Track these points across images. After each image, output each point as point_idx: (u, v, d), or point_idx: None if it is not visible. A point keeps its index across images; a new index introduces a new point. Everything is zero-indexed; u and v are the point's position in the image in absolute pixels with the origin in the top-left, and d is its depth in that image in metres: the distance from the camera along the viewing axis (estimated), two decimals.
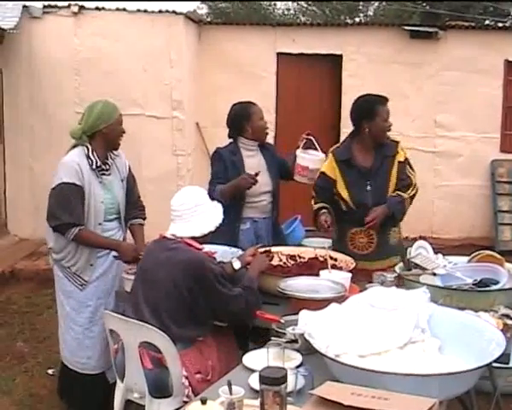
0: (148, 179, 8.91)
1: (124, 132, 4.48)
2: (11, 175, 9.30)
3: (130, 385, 3.61)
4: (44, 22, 9.10)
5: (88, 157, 4.30)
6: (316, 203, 4.72)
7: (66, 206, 4.21)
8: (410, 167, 4.74)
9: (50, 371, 5.33)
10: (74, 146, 4.37)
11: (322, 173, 4.73)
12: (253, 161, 4.98)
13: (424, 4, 19.31)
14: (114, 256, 4.36)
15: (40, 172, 8.87)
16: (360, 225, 4.59)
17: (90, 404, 4.43)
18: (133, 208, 4.64)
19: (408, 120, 10.04)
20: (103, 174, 4.40)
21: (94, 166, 4.31)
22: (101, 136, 4.35)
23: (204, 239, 3.76)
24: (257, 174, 4.71)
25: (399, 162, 4.68)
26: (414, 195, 4.69)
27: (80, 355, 4.42)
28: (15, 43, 8.95)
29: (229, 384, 2.46)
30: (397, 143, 4.75)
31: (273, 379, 2.36)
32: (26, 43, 9.08)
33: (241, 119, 5.00)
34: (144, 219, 4.70)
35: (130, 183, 4.64)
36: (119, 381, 3.70)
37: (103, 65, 9.09)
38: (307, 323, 2.90)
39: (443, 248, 8.94)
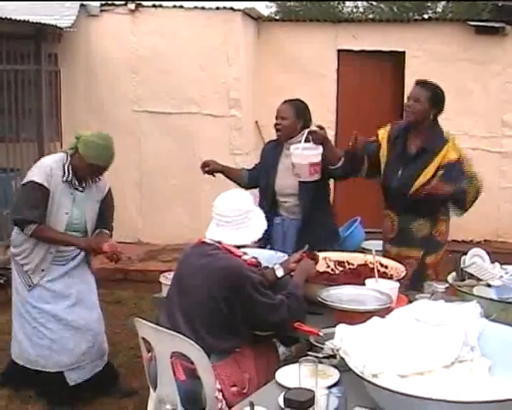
0: (204, 179, 8.75)
1: (92, 181, 4.49)
2: None
3: (163, 396, 3.46)
4: (101, 20, 9.06)
5: (63, 167, 4.38)
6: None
7: (30, 204, 4.32)
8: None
9: None
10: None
11: (376, 135, 4.63)
12: (287, 162, 4.76)
13: None
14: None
15: None
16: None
17: (49, 400, 4.59)
18: (101, 226, 4.66)
19: (473, 120, 9.70)
20: (76, 189, 4.44)
21: (64, 179, 4.37)
22: (76, 156, 4.39)
23: None
24: None
25: (448, 161, 4.35)
26: (474, 195, 4.40)
27: (29, 352, 4.52)
28: (73, 41, 8.94)
29: (252, 406, 2.27)
30: (447, 140, 4.42)
31: (298, 403, 2.17)
32: (83, 42, 9.05)
33: None
34: (110, 233, 4.71)
35: (105, 204, 4.67)
36: (151, 391, 3.55)
37: (160, 63, 8.99)
38: (343, 339, 2.68)
39: (509, 252, 8.66)
